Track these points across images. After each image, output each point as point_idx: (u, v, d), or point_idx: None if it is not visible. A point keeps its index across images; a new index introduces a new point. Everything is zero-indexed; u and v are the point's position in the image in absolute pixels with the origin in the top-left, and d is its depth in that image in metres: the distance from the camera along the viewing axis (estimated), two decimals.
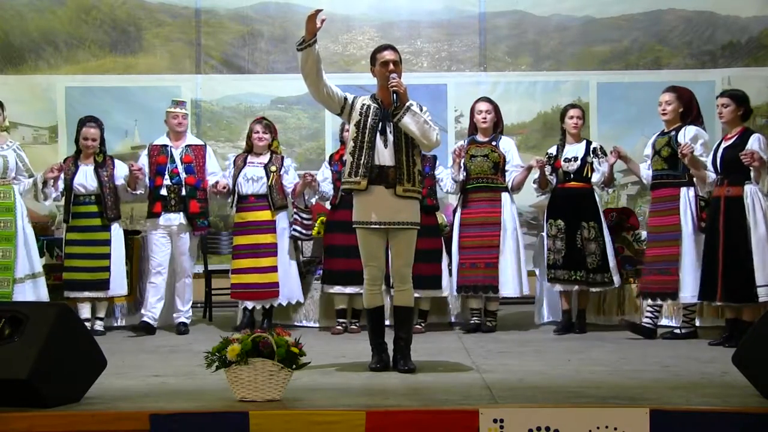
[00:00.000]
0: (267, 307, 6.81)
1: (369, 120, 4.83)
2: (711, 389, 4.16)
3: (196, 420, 3.64)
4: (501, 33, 8.99)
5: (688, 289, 6.01)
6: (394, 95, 4.76)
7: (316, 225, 7.08)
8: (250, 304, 6.78)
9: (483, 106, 6.72)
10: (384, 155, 4.80)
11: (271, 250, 6.72)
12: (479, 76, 8.88)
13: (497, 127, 6.75)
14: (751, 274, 5.64)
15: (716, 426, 3.59)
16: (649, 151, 6.36)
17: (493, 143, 6.68)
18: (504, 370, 4.85)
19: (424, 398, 4.05)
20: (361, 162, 4.80)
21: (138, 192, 6.84)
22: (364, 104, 4.89)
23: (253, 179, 6.72)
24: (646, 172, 6.40)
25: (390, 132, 4.81)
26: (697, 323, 6.33)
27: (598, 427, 3.57)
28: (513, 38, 9.00)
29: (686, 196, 6.11)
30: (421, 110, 4.89)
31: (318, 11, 4.62)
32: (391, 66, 4.83)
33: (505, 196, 6.68)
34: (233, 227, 6.86)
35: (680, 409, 3.68)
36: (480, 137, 6.73)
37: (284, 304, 6.87)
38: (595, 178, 6.57)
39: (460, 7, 8.95)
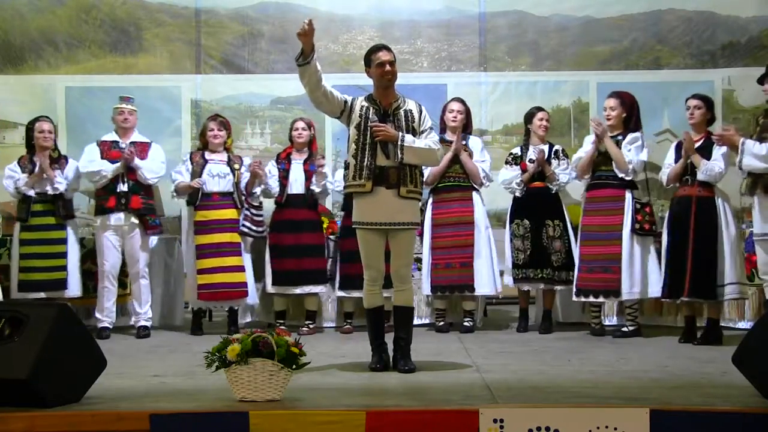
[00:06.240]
0: (235, 308, 6.74)
1: (369, 121, 4.82)
2: (711, 389, 4.17)
3: (196, 420, 3.64)
4: (501, 33, 8.99)
5: (628, 286, 6.15)
6: (383, 144, 4.75)
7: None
8: (209, 306, 6.70)
9: (455, 105, 6.77)
10: (385, 156, 4.79)
11: (236, 249, 6.61)
12: (479, 76, 8.88)
13: (466, 128, 6.79)
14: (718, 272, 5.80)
15: (716, 426, 3.59)
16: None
17: (463, 143, 6.70)
18: (504, 370, 4.84)
19: (424, 398, 4.05)
20: (364, 164, 4.79)
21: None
22: (363, 105, 4.88)
23: (219, 176, 6.59)
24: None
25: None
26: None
27: (598, 427, 3.58)
28: (513, 38, 9.00)
29: (629, 198, 6.24)
30: (421, 114, 4.92)
31: (308, 24, 4.60)
32: (388, 67, 4.81)
33: (476, 195, 6.73)
34: (195, 226, 6.60)
35: (680, 409, 3.68)
36: (449, 136, 6.73)
37: (250, 303, 6.80)
38: (563, 178, 6.64)
39: (460, 7, 8.95)
